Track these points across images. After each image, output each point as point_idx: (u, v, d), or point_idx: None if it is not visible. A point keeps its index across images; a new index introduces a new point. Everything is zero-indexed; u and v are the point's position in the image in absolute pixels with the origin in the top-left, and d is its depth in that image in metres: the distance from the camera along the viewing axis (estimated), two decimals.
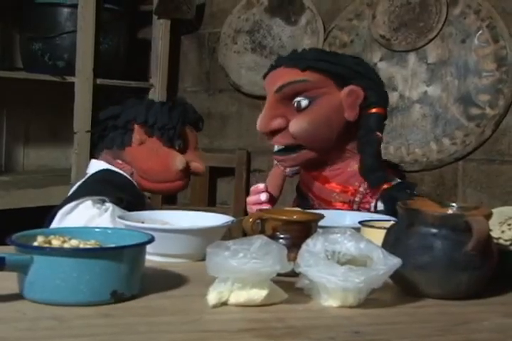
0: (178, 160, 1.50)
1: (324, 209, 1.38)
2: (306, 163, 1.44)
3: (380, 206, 1.39)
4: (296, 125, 1.37)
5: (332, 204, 1.42)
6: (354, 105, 1.39)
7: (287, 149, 1.43)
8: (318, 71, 1.38)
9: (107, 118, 1.53)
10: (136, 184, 1.50)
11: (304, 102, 1.38)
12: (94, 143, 1.59)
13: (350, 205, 1.41)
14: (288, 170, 1.53)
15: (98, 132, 1.55)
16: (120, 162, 1.51)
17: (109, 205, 1.38)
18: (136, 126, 1.50)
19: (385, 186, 1.37)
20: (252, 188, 1.45)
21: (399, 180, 1.43)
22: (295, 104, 1.39)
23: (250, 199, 1.43)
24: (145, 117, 1.49)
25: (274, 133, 1.41)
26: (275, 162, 1.57)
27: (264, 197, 1.40)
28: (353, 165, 1.42)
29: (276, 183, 1.55)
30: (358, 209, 1.40)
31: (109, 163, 1.51)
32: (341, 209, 1.40)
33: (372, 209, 1.40)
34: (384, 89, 1.45)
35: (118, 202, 1.39)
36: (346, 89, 1.38)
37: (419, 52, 2.44)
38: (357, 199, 1.40)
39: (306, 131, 1.37)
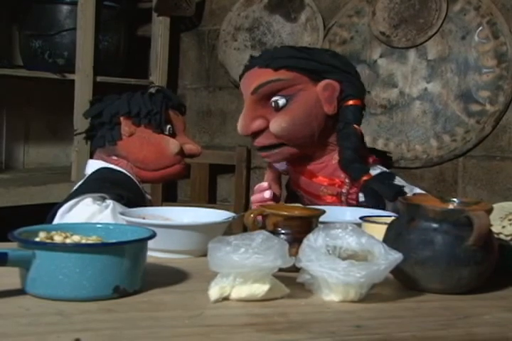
0: (172, 144, 1.49)
1: (316, 205, 1.39)
2: (290, 157, 1.45)
3: (362, 197, 1.40)
4: (276, 125, 1.38)
5: (321, 198, 1.43)
6: (331, 99, 1.39)
7: (271, 146, 1.43)
8: (292, 69, 1.38)
9: (91, 118, 1.53)
10: (135, 180, 1.50)
11: (282, 101, 1.39)
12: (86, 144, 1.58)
13: (339, 197, 1.42)
14: (277, 165, 1.53)
15: (86, 132, 1.56)
16: (115, 158, 1.50)
17: (109, 202, 1.38)
18: (122, 119, 1.49)
19: (365, 178, 1.37)
20: (256, 187, 1.46)
21: (380, 170, 1.43)
22: (273, 104, 1.39)
23: (255, 197, 1.44)
24: (128, 108, 1.49)
25: (255, 134, 1.42)
26: (268, 166, 1.58)
27: (268, 194, 1.41)
28: (336, 158, 1.43)
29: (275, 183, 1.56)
30: (347, 201, 1.41)
31: (105, 161, 1.51)
32: (332, 203, 1.40)
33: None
34: (360, 81, 1.46)
35: (118, 199, 1.39)
36: (322, 84, 1.39)
37: (419, 48, 2.44)
38: (344, 190, 1.41)
39: (286, 130, 1.38)
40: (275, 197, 1.46)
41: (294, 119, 1.38)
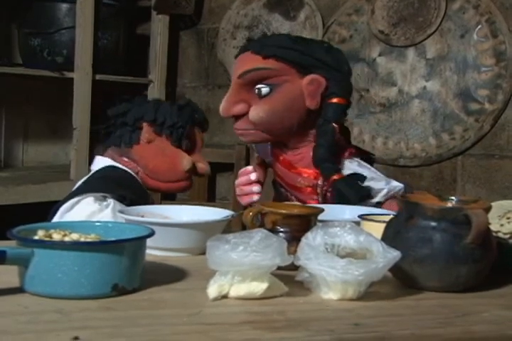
0: (186, 161, 1.50)
1: (297, 198, 1.40)
2: (264, 141, 1.47)
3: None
4: (255, 113, 1.40)
5: (300, 189, 1.44)
6: (315, 94, 1.40)
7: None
8: (281, 59, 1.39)
9: (115, 116, 1.53)
10: (140, 182, 1.50)
11: (265, 90, 1.40)
12: (101, 140, 1.58)
13: (315, 189, 1.42)
14: (264, 156, 1.54)
15: (105, 129, 1.55)
16: (126, 159, 1.51)
17: (110, 200, 1.37)
18: (145, 125, 1.50)
19: (335, 177, 1.38)
20: (241, 171, 1.49)
21: (356, 163, 1.45)
22: (256, 91, 1.40)
23: (240, 180, 1.46)
24: (154, 116, 1.49)
25: (236, 117, 1.44)
26: (256, 154, 1.61)
27: (254, 176, 1.44)
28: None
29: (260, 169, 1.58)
30: (322, 193, 1.41)
31: (114, 160, 1.51)
32: (310, 195, 1.42)
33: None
34: (349, 80, 1.46)
35: (121, 200, 1.39)
36: (308, 78, 1.40)
37: (418, 47, 2.44)
38: (319, 182, 1.42)
39: (264, 119, 1.40)
40: (261, 182, 1.47)
41: (274, 110, 1.40)
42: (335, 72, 1.42)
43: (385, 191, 1.41)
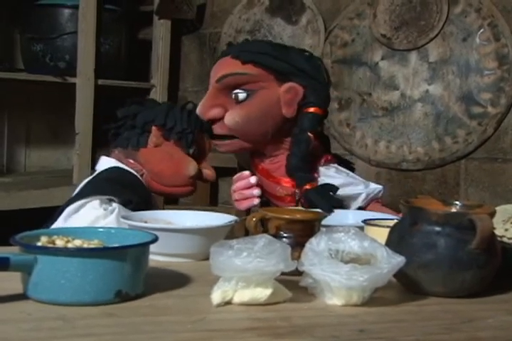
0: (192, 167, 1.50)
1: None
2: (240, 150, 1.48)
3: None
4: (231, 118, 1.41)
5: (280, 199, 1.44)
6: (292, 102, 1.40)
7: (224, 136, 1.46)
8: (259, 65, 1.39)
9: (125, 117, 1.53)
10: (145, 183, 1.50)
11: (242, 95, 1.40)
12: (108, 140, 1.57)
13: (293, 197, 1.43)
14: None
15: (114, 129, 1.55)
16: (132, 161, 1.50)
17: (115, 206, 1.37)
18: (153, 128, 1.49)
19: (307, 187, 1.38)
20: (237, 176, 1.47)
21: (334, 169, 1.45)
22: (233, 96, 1.41)
23: (238, 184, 1.44)
24: (164, 120, 1.49)
25: (212, 121, 1.44)
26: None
27: (253, 179, 1.42)
28: None
29: None
30: (299, 200, 1.41)
31: (120, 161, 1.50)
32: (290, 204, 1.42)
33: None
34: (327, 90, 1.46)
35: (127, 203, 1.38)
36: (285, 86, 1.40)
37: (421, 51, 2.43)
38: (297, 190, 1.42)
39: (239, 124, 1.40)
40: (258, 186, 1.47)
41: (249, 115, 1.40)
42: (313, 81, 1.42)
43: (363, 195, 1.41)
